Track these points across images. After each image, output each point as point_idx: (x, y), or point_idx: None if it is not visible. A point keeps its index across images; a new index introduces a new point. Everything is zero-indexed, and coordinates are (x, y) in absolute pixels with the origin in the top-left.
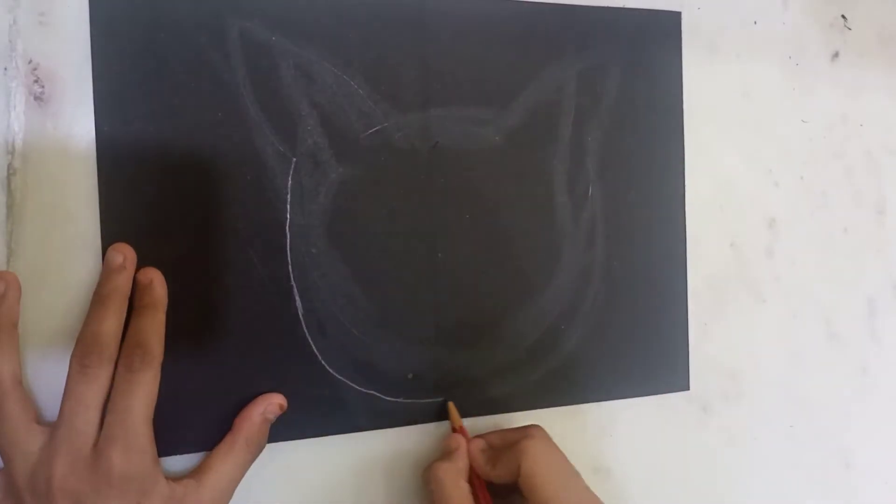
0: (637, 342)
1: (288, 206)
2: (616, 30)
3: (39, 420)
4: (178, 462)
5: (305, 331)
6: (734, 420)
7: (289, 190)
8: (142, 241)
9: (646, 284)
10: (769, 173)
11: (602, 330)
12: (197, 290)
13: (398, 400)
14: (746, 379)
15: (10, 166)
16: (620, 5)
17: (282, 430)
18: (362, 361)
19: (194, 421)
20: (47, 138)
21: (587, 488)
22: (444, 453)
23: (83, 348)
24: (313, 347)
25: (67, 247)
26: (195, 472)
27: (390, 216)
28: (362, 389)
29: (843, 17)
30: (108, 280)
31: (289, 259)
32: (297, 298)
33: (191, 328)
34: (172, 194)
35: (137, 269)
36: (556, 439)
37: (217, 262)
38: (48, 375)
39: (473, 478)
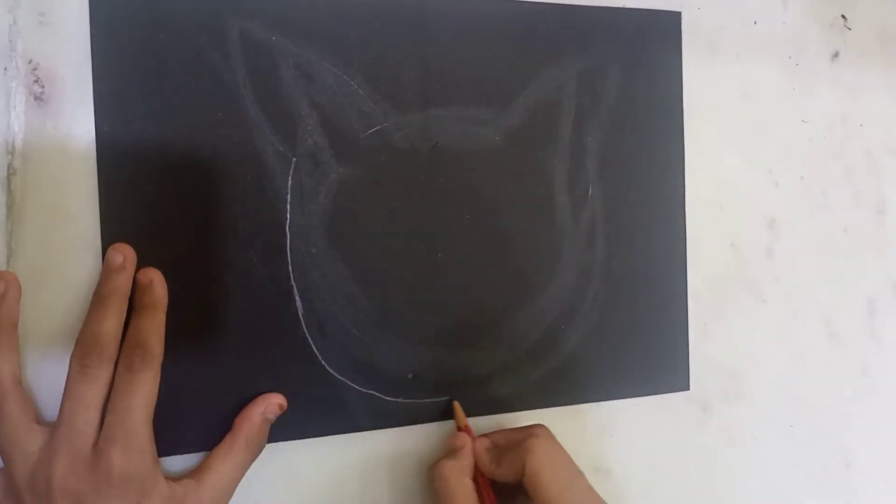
0: (637, 342)
1: (288, 206)
2: (616, 30)
3: (39, 420)
4: (178, 462)
5: (305, 331)
6: (734, 420)
7: (289, 190)
8: (142, 241)
9: (646, 284)
10: (769, 173)
11: (602, 330)
12: (197, 290)
13: (398, 400)
14: (746, 379)
15: (10, 166)
16: (620, 5)
17: (282, 430)
18: (362, 361)
19: (194, 421)
20: (47, 138)
21: (591, 488)
22: (449, 451)
23: (83, 348)
24: (313, 347)
25: (67, 247)
26: (195, 472)
27: (390, 216)
28: (362, 389)
29: (843, 17)
30: (108, 280)
31: (289, 259)
32: (297, 298)
33: (191, 328)
34: (172, 194)
35: (137, 269)
36: None
37: (217, 262)
38: (48, 375)
39: (478, 476)
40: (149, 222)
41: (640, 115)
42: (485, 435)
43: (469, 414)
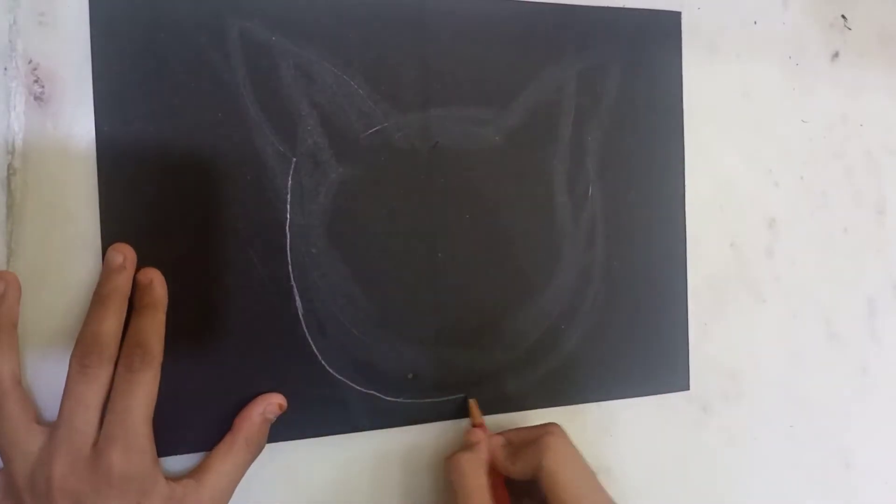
0: (637, 342)
1: (288, 206)
2: (616, 30)
3: (39, 420)
4: (178, 462)
5: (305, 331)
6: (734, 420)
7: (289, 190)
8: (142, 241)
9: (646, 284)
10: (769, 173)
11: (602, 330)
12: (197, 290)
13: (398, 400)
14: (746, 379)
15: (10, 166)
16: (620, 5)
17: (282, 430)
18: (362, 361)
19: (194, 421)
20: (47, 138)
21: (603, 489)
22: (465, 446)
23: (83, 348)
24: (313, 347)
25: (67, 247)
26: (195, 472)
27: (390, 216)
28: (362, 389)
29: (843, 17)
30: (108, 280)
31: (289, 259)
32: (297, 298)
33: (191, 328)
34: (172, 194)
35: (137, 269)
36: None
37: (217, 262)
38: (48, 375)
39: (492, 473)
40: (149, 222)
41: (640, 115)
42: (499, 433)
43: (468, 414)
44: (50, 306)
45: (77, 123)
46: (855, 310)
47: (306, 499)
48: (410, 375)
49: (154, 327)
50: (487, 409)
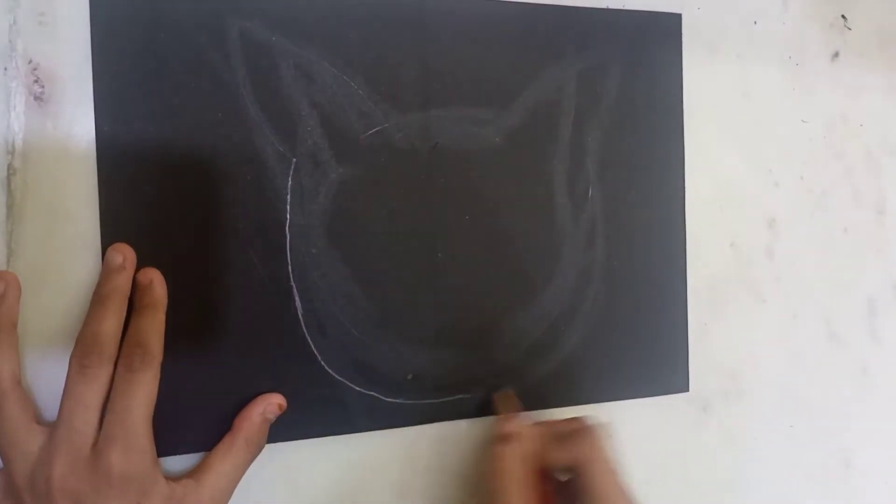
0: (637, 342)
1: (288, 206)
2: (616, 30)
3: (39, 420)
4: (178, 462)
5: (305, 331)
6: (734, 420)
7: (289, 190)
8: (142, 241)
9: (646, 284)
10: (769, 173)
11: (602, 330)
12: (197, 290)
13: (398, 401)
14: (746, 379)
15: (10, 166)
16: (620, 6)
17: (281, 430)
18: (362, 362)
19: (194, 421)
20: (47, 138)
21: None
22: (502, 436)
23: (83, 348)
24: (313, 348)
25: (67, 247)
26: (194, 472)
27: (390, 216)
28: (362, 390)
29: (843, 17)
30: (107, 280)
31: (289, 259)
32: (297, 298)
33: (191, 328)
34: (172, 194)
35: (137, 269)
36: None
37: (217, 262)
38: (48, 375)
39: (530, 463)
40: (149, 222)
41: (640, 115)
42: (533, 422)
43: (468, 415)
44: (50, 306)
45: (77, 123)
46: (855, 310)
47: (306, 499)
48: (410, 376)
49: (154, 327)
50: (487, 410)
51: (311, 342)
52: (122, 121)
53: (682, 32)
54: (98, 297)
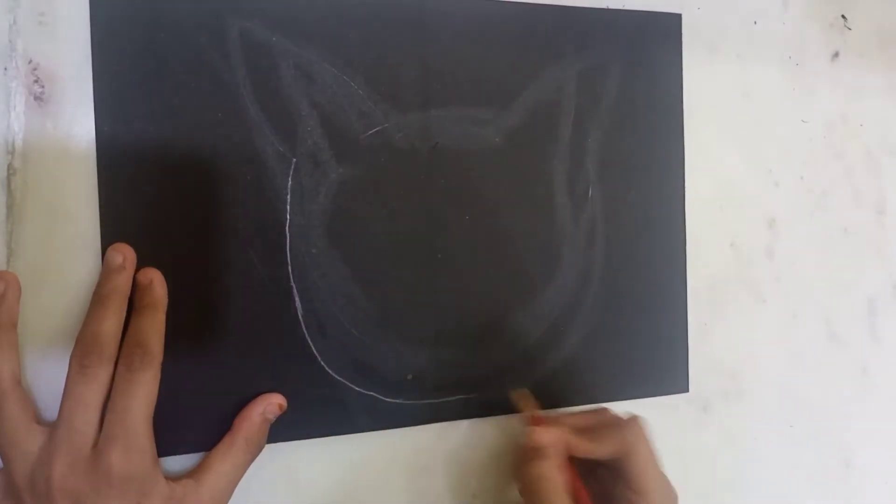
0: (637, 342)
1: (288, 207)
2: (616, 30)
3: (39, 420)
4: (178, 462)
5: (305, 331)
6: (734, 420)
7: (289, 190)
8: (142, 241)
9: (646, 284)
10: (769, 173)
11: (602, 330)
12: (197, 290)
13: (398, 401)
14: (746, 379)
15: (10, 166)
16: (620, 7)
17: (281, 430)
18: (362, 362)
19: (194, 421)
20: (47, 138)
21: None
22: (536, 449)
23: (83, 348)
24: (313, 348)
25: (67, 247)
26: (194, 472)
27: (390, 216)
28: (362, 390)
29: (843, 17)
30: (107, 280)
31: (289, 259)
32: (297, 299)
33: (191, 328)
34: (172, 194)
35: (137, 269)
36: None
37: (217, 262)
38: (48, 375)
39: (566, 463)
40: (149, 222)
41: (640, 115)
42: (556, 420)
43: (468, 415)
44: (50, 306)
45: (77, 123)
46: (855, 310)
47: (306, 499)
48: (410, 376)
49: (154, 327)
50: (487, 411)
51: (311, 342)
52: (122, 121)
53: (682, 32)
54: (98, 297)
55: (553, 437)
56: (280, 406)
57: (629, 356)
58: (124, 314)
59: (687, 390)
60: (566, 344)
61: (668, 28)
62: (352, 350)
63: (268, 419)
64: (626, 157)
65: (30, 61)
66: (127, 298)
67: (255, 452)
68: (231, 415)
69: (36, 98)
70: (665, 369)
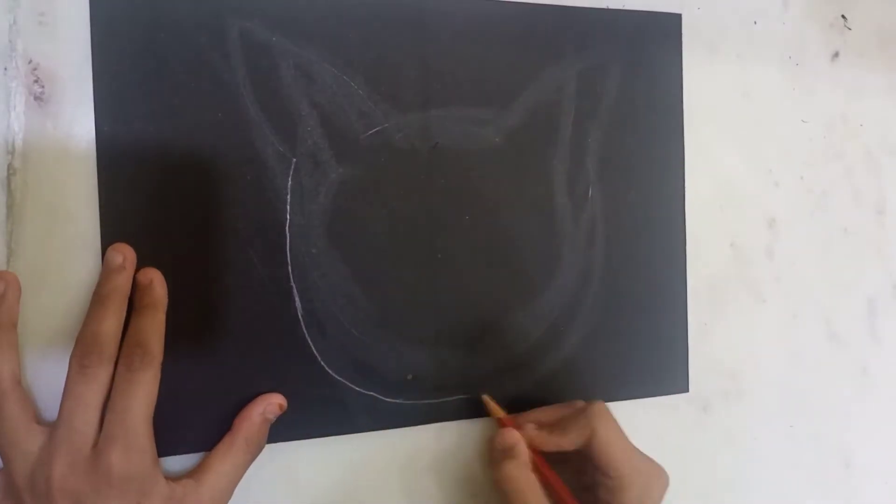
0: (637, 342)
1: (288, 207)
2: (616, 30)
3: (39, 420)
4: (178, 462)
5: (305, 331)
6: (734, 420)
7: (289, 190)
8: (142, 241)
9: (646, 284)
10: (769, 173)
11: (602, 330)
12: (197, 290)
13: (397, 401)
14: (746, 379)
15: (10, 166)
16: (620, 7)
17: (281, 430)
18: (362, 362)
19: (194, 421)
20: (47, 138)
21: (641, 450)
22: (503, 451)
23: (83, 348)
24: (313, 348)
25: (67, 247)
26: (194, 472)
27: (390, 216)
28: (361, 390)
29: (843, 17)
30: (107, 280)
31: (289, 259)
32: (297, 299)
33: (191, 328)
34: (172, 194)
35: (137, 269)
36: None
37: (217, 262)
38: (48, 375)
39: (536, 460)
40: (149, 222)
41: (640, 115)
42: (523, 417)
43: (469, 415)
44: (50, 306)
45: (77, 123)
46: (855, 310)
47: (306, 499)
48: (410, 376)
49: (154, 327)
50: (487, 411)
51: (311, 342)
52: (122, 121)
53: (682, 32)
54: (98, 297)
55: (516, 436)
56: (280, 406)
57: (629, 356)
58: (124, 314)
59: (687, 390)
60: (566, 344)
61: (668, 28)
62: (352, 350)
63: (268, 419)
64: (626, 157)
65: (30, 61)
66: (127, 298)
67: (255, 452)
68: (231, 415)
69: (36, 98)
70: (665, 369)
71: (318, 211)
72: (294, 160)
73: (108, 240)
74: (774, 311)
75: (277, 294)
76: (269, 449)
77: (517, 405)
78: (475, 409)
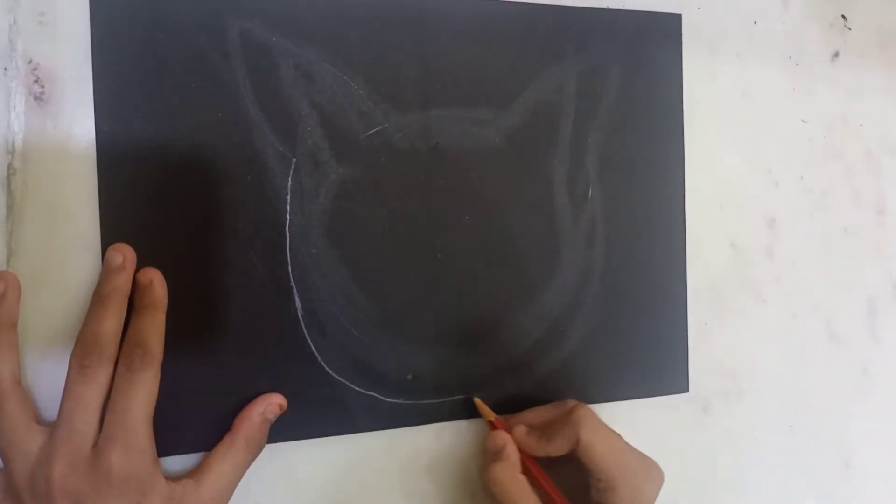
0: (637, 342)
1: (288, 207)
2: (616, 30)
3: (39, 420)
4: (178, 462)
5: (305, 331)
6: (734, 420)
7: (289, 190)
8: (142, 241)
9: (646, 284)
10: (769, 173)
11: (602, 330)
12: (197, 290)
13: (397, 401)
14: (746, 379)
15: (10, 166)
16: (620, 7)
17: (281, 430)
18: (362, 362)
19: (194, 421)
20: (47, 138)
21: (634, 448)
22: (493, 453)
23: (83, 348)
24: (313, 348)
25: (67, 247)
26: (194, 472)
27: (390, 216)
28: (362, 390)
29: (843, 17)
30: (107, 280)
31: (289, 259)
32: (297, 298)
33: (191, 328)
34: (172, 194)
35: (137, 269)
36: None
37: (217, 262)
38: (48, 375)
39: (525, 461)
40: (149, 222)
41: (640, 115)
42: (514, 419)
43: (468, 415)
44: (50, 306)
45: (77, 123)
46: (855, 310)
47: (306, 499)
48: (410, 376)
49: (154, 327)
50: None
51: (311, 342)
52: (122, 121)
53: (682, 32)
54: (98, 297)
55: (505, 437)
56: (280, 406)
57: (629, 356)
58: (124, 314)
59: (687, 390)
60: (566, 344)
61: (668, 28)
62: (352, 350)
63: (268, 419)
64: (626, 157)
65: (30, 61)
66: (127, 298)
67: (255, 452)
68: (231, 415)
69: (36, 98)
70: (665, 369)
71: (318, 211)
72: (294, 160)
73: (108, 240)
74: (774, 311)
75: (277, 294)
76: (269, 449)
77: (517, 405)
78: (475, 410)
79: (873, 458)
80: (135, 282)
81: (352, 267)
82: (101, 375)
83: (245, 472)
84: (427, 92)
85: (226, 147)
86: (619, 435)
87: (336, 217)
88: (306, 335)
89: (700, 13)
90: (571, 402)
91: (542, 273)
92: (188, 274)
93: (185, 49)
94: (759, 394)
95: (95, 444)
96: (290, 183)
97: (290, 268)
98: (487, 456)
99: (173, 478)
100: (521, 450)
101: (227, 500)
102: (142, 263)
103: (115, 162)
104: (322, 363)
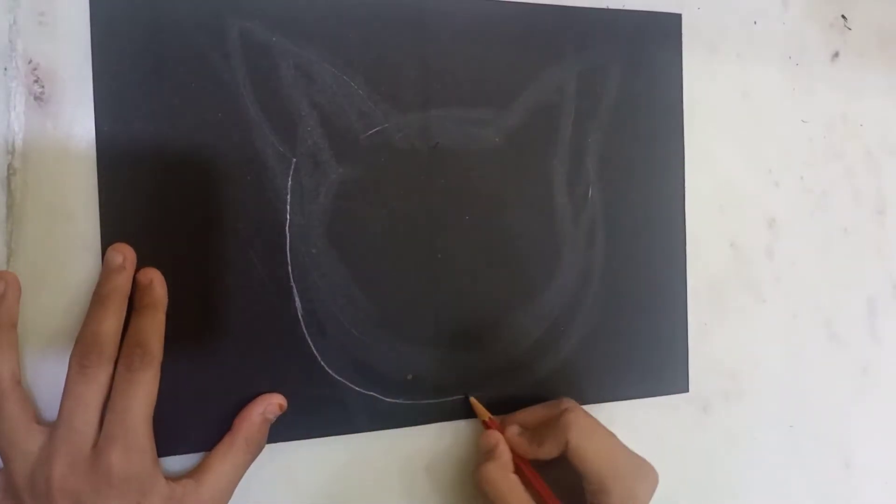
0: (637, 342)
1: (288, 207)
2: (616, 30)
3: (39, 420)
4: (178, 462)
5: (305, 331)
6: (734, 420)
7: (289, 190)
8: (142, 241)
9: (646, 284)
10: (769, 173)
11: (602, 330)
12: (197, 290)
13: (397, 401)
14: (746, 379)
15: (10, 166)
16: (620, 7)
17: (281, 430)
18: (362, 362)
19: (194, 421)
20: (47, 138)
21: (627, 447)
22: (485, 453)
23: (82, 348)
24: (313, 348)
25: (67, 247)
26: (194, 472)
27: (390, 216)
28: (362, 390)
29: (843, 17)
30: (107, 280)
31: (288, 259)
32: (297, 298)
33: (191, 328)
34: (172, 194)
35: (137, 269)
36: None
37: (217, 262)
38: (48, 375)
39: (517, 461)
40: (149, 222)
41: (640, 115)
42: (509, 419)
43: (468, 415)
44: (50, 306)
45: (77, 123)
46: (855, 310)
47: (306, 499)
48: (410, 376)
49: (154, 327)
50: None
51: (311, 342)
52: (122, 121)
53: (682, 32)
54: (98, 297)
55: (497, 437)
56: (280, 406)
57: (629, 356)
58: (124, 314)
59: (687, 390)
60: (566, 344)
61: (668, 28)
62: (352, 350)
63: (268, 419)
64: (626, 157)
65: (30, 61)
66: (127, 298)
67: (255, 452)
68: (231, 415)
69: (36, 98)
70: (665, 369)
71: (317, 211)
72: (294, 160)
73: (108, 240)
74: (774, 311)
75: (277, 294)
76: (269, 449)
77: (517, 405)
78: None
79: (873, 458)
80: (135, 282)
81: (352, 267)
82: (101, 375)
83: (245, 472)
84: (427, 92)
85: (226, 147)
86: (612, 435)
87: (336, 217)
88: (306, 335)
89: (700, 13)
90: (565, 403)
91: (542, 273)
92: (188, 274)
93: (185, 49)
94: (759, 394)
95: (95, 444)
96: (290, 183)
97: (290, 268)
98: (480, 455)
99: (173, 478)
100: (512, 450)
101: (227, 500)
102: (142, 263)
103: (115, 162)
104: (322, 363)
